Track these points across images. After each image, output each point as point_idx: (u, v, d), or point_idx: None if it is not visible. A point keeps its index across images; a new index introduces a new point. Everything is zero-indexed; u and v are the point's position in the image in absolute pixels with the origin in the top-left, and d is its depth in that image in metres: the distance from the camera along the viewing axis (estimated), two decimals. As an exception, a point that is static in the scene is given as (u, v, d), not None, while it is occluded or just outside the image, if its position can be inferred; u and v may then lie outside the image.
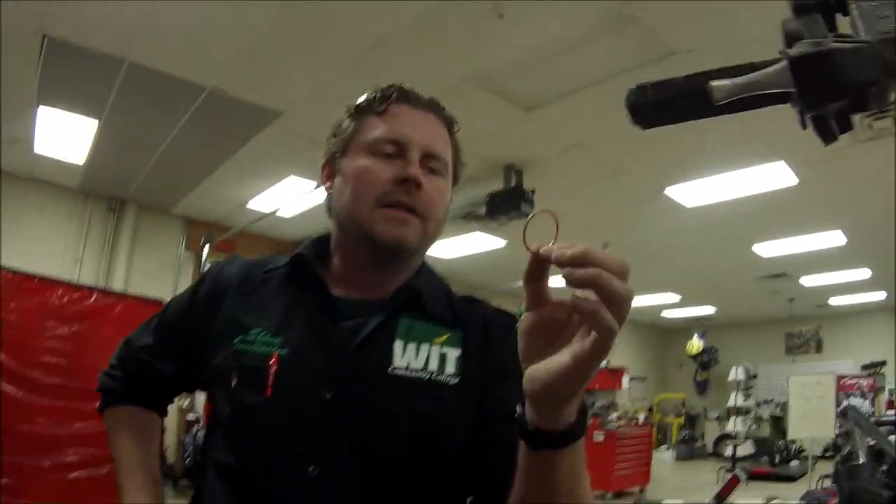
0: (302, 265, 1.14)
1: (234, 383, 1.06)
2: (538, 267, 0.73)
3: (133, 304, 5.38)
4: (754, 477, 10.78)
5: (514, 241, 8.37)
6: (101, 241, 7.83)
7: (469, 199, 6.16)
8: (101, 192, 7.75)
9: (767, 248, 8.78)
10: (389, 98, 1.12)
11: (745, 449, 12.86)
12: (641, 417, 12.47)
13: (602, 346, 0.67)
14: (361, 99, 1.15)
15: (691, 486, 11.34)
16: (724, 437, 14.39)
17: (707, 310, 14.49)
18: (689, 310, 14.54)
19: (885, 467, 2.28)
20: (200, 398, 7.81)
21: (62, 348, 4.86)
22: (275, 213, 7.13)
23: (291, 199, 6.81)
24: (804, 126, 0.70)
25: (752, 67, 0.71)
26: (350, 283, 1.13)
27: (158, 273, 8.22)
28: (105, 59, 4.59)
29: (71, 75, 4.91)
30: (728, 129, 5.15)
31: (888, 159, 5.16)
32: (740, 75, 0.70)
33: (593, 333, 0.67)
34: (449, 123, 1.18)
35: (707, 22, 3.94)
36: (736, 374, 13.95)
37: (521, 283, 0.76)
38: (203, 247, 8.31)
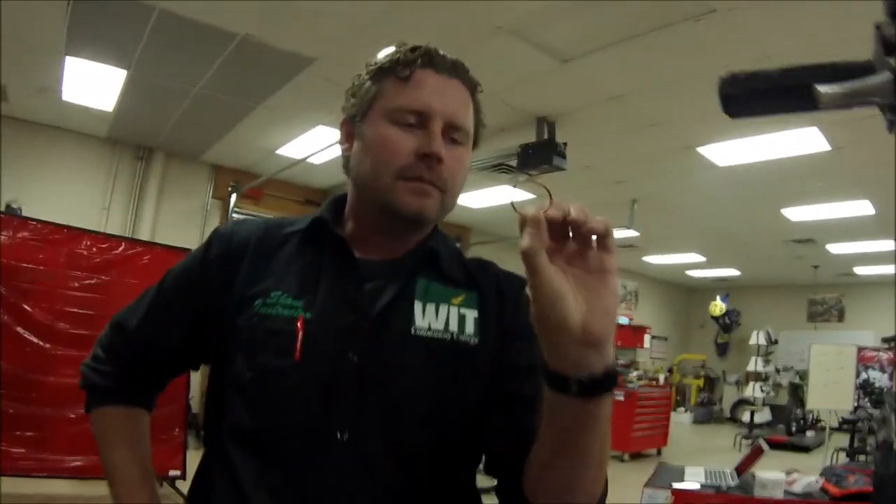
0: (322, 227, 1.14)
1: (258, 346, 1.05)
2: (536, 237, 0.76)
3: (160, 254, 5.39)
4: (770, 445, 10.79)
5: (542, 195, 8.27)
6: (129, 188, 7.86)
7: (500, 149, 6.07)
8: (129, 141, 7.76)
9: (796, 213, 8.67)
10: (414, 63, 1.09)
11: (763, 416, 12.85)
12: (662, 378, 12.51)
13: (610, 247, 0.76)
14: (383, 57, 1.12)
15: (708, 450, 11.41)
16: (741, 403, 14.40)
17: (731, 272, 14.41)
18: (714, 271, 14.45)
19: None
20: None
21: (90, 298, 4.88)
22: (305, 160, 7.07)
23: (320, 147, 6.74)
24: (891, 130, 0.70)
25: (846, 69, 0.70)
26: (367, 244, 1.14)
27: (185, 221, 8.26)
28: (134, 6, 4.53)
29: (100, 25, 4.86)
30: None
31: None
32: (836, 76, 0.69)
33: (597, 259, 0.76)
34: (472, 87, 1.15)
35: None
36: (757, 338, 13.86)
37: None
38: (230, 195, 8.29)
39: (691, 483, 3.73)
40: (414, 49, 1.10)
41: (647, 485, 3.66)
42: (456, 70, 1.12)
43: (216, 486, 1.07)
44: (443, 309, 1.11)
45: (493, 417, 1.06)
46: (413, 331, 1.07)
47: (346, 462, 1.00)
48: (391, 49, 1.12)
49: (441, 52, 1.11)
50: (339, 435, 1.01)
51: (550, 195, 0.82)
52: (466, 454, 1.11)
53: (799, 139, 5.89)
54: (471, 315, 1.12)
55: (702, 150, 6.50)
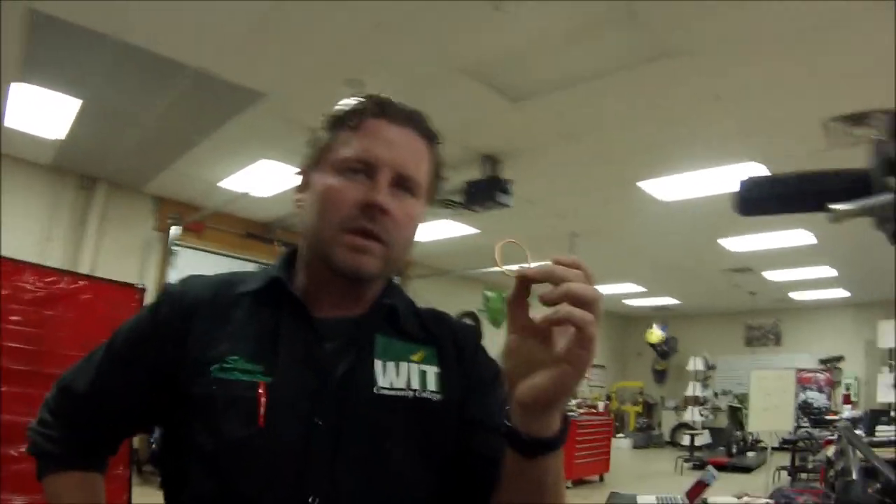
0: (277, 287, 1.09)
1: (219, 414, 1.00)
2: (521, 289, 0.80)
3: (104, 289, 5.25)
4: (708, 465, 10.98)
5: (486, 228, 8.44)
6: (71, 219, 7.67)
7: (446, 187, 6.12)
8: (73, 169, 7.61)
9: (734, 243, 8.93)
10: (364, 112, 1.06)
11: (703, 439, 13.11)
12: (601, 405, 12.66)
13: (586, 346, 0.76)
14: (338, 107, 1.10)
15: (650, 475, 11.56)
16: (681, 427, 14.63)
17: (669, 300, 14.68)
18: (652, 300, 14.72)
19: (878, 485, 2.33)
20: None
21: (32, 333, 4.71)
22: (246, 194, 7.02)
23: (263, 181, 6.71)
24: (893, 242, 0.80)
25: (852, 180, 0.86)
26: (321, 302, 1.09)
27: (127, 253, 8.09)
28: (92, 36, 4.48)
29: (58, 53, 4.81)
30: (706, 131, 5.24)
31: (862, 164, 5.30)
32: (844, 188, 0.84)
33: (576, 337, 0.76)
34: (430, 138, 1.12)
35: (705, 22, 3.96)
36: (695, 364, 14.18)
37: (487, 269, 0.87)
38: (171, 227, 8.17)
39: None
40: (367, 98, 1.08)
41: (603, 515, 3.69)
42: (411, 120, 1.09)
43: None
44: (403, 367, 1.09)
45: (455, 469, 1.07)
46: (376, 390, 1.05)
47: None
48: (351, 100, 1.10)
49: (396, 103, 1.08)
50: (311, 499, 0.98)
51: (527, 252, 0.84)
52: (434, 500, 1.09)
53: (738, 173, 6.02)
54: (431, 371, 1.11)
55: (643, 184, 6.68)
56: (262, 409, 0.99)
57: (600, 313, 0.76)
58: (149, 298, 5.48)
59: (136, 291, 5.39)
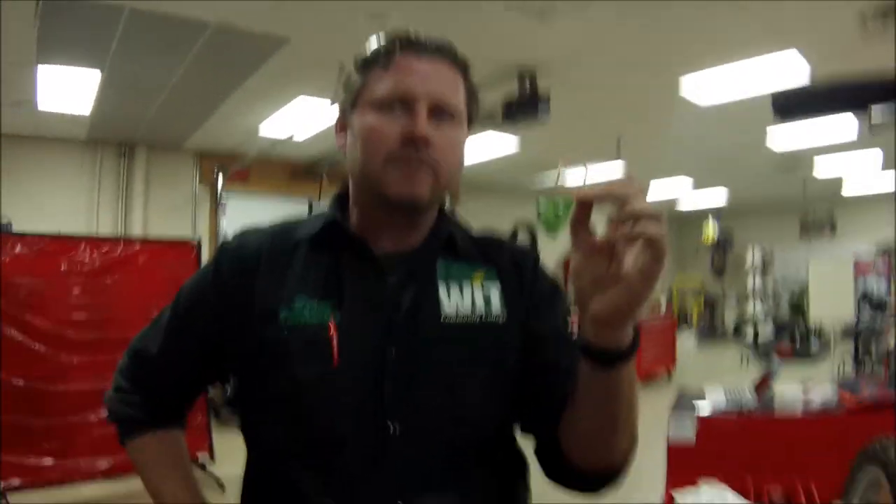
0: (335, 228, 1.12)
1: (293, 358, 1.04)
2: (582, 210, 0.82)
3: (157, 249, 5.41)
4: (773, 355, 10.98)
5: (528, 144, 8.32)
6: (115, 187, 7.81)
7: (484, 104, 6.02)
8: (109, 140, 7.69)
9: (782, 135, 8.59)
10: (394, 50, 1.06)
11: (766, 331, 13.04)
12: (663, 304, 12.66)
13: (659, 258, 0.77)
14: (368, 48, 1.10)
15: (716, 370, 11.58)
16: (744, 320, 14.57)
17: (720, 195, 14.38)
18: (703, 195, 14.44)
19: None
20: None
21: (94, 303, 4.90)
22: (290, 138, 7.00)
23: (302, 119, 6.69)
24: None
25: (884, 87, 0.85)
26: (378, 237, 1.12)
27: (175, 211, 8.22)
28: (104, 8, 4.45)
29: (70, 29, 4.78)
30: (743, 19, 5.01)
31: None
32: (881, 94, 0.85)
33: (649, 252, 0.77)
34: (461, 65, 1.12)
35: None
36: (752, 257, 13.99)
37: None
38: (217, 178, 8.25)
39: (713, 407, 3.77)
40: (394, 35, 1.08)
41: (672, 410, 3.71)
42: (441, 51, 1.09)
43: (273, 502, 1.08)
44: (466, 288, 1.11)
45: (526, 386, 1.10)
46: (443, 318, 1.08)
47: (401, 454, 1.02)
48: (378, 37, 1.10)
49: (423, 36, 1.08)
50: (391, 430, 1.02)
51: (586, 172, 0.85)
52: (508, 422, 1.14)
53: (778, 66, 5.75)
54: (494, 291, 1.13)
55: (685, 93, 6.49)
56: (335, 348, 1.03)
57: (663, 224, 0.77)
58: (204, 251, 5.62)
59: (191, 246, 5.50)
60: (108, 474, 4.77)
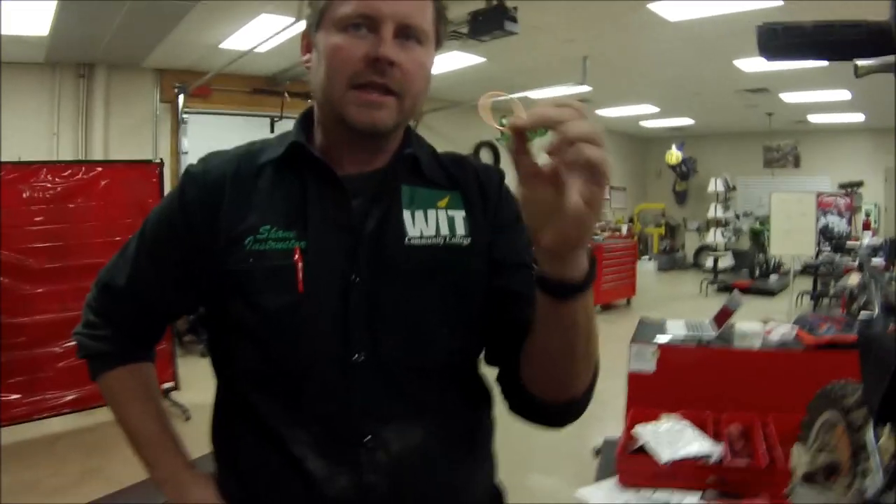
0: (299, 151, 1.10)
1: (258, 286, 1.04)
2: (520, 140, 0.80)
3: (120, 170, 5.27)
4: (734, 289, 11.21)
5: (494, 57, 8.17)
6: (75, 109, 7.57)
7: (450, 18, 5.89)
8: (68, 61, 7.44)
9: (749, 64, 8.61)
10: None
11: (726, 261, 13.29)
12: (624, 229, 12.77)
13: (600, 182, 0.76)
14: None
15: (676, 297, 11.83)
16: (704, 249, 14.79)
17: (685, 121, 14.43)
18: (668, 121, 14.48)
19: (897, 320, 2.38)
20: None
21: (56, 230, 4.78)
22: (251, 51, 6.80)
23: (264, 36, 6.50)
24: None
25: (868, 28, 0.80)
26: (342, 159, 1.11)
27: (136, 131, 8.03)
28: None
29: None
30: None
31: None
32: (859, 32, 0.86)
33: (590, 175, 0.75)
34: None
35: None
36: (715, 185, 14.14)
37: (501, 96, 0.88)
38: (178, 96, 8.04)
39: (673, 337, 3.87)
40: None
41: (633, 341, 3.78)
42: None
43: (243, 435, 1.10)
44: (431, 214, 1.12)
45: (488, 311, 1.12)
46: (407, 240, 1.08)
47: (367, 382, 1.04)
48: None
49: None
50: (356, 356, 1.04)
51: (516, 102, 0.83)
52: (474, 348, 1.16)
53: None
54: (458, 216, 1.14)
55: (653, 6, 6.37)
56: (300, 275, 1.03)
57: (604, 145, 0.76)
58: (166, 172, 5.51)
59: (154, 167, 5.38)
60: (75, 406, 4.77)
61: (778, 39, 0.88)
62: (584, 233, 0.81)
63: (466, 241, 1.12)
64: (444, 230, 1.11)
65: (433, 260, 1.09)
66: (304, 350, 1.04)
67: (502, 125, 0.80)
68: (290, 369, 1.05)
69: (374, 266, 1.06)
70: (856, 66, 0.75)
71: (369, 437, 1.04)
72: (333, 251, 1.06)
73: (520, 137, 0.80)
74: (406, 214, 1.10)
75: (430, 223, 1.11)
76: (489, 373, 1.19)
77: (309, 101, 1.10)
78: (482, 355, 1.18)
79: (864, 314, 3.09)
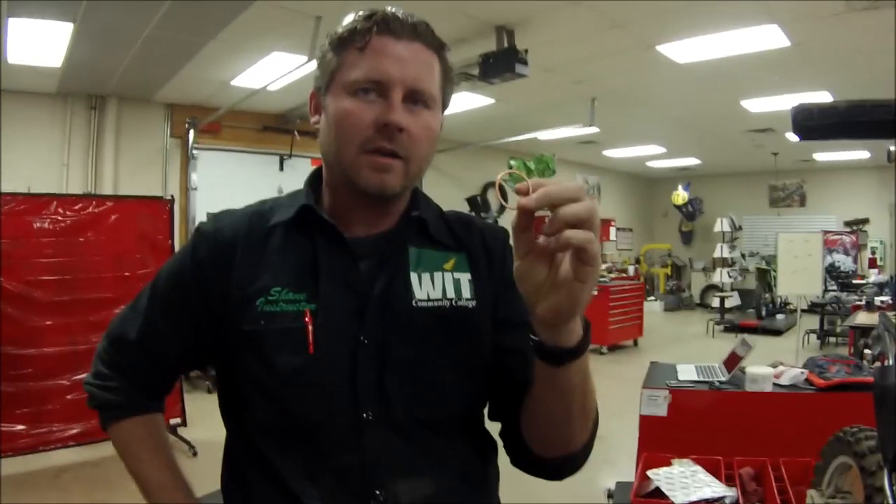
0: (309, 214, 1.13)
1: (270, 347, 1.06)
2: (523, 219, 0.83)
3: (129, 205, 5.29)
4: (742, 329, 11.17)
5: (504, 98, 8.25)
6: (85, 141, 7.61)
7: (460, 60, 5.96)
8: (80, 92, 7.50)
9: (755, 104, 8.69)
10: (369, 31, 1.05)
11: (732, 301, 13.23)
12: (631, 269, 12.76)
13: (590, 262, 0.80)
14: (343, 27, 1.09)
15: (683, 338, 11.77)
16: (710, 288, 14.77)
17: (691, 161, 14.49)
18: (674, 161, 14.54)
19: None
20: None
21: (64, 263, 4.78)
22: (263, 89, 6.88)
23: (276, 75, 6.57)
24: None
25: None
26: (350, 221, 1.13)
27: (146, 165, 8.05)
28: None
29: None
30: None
31: (881, 27, 5.21)
32: (891, 113, 0.86)
33: (580, 257, 0.80)
34: (436, 47, 1.11)
35: None
36: (721, 225, 14.15)
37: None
38: (188, 131, 8.10)
39: (685, 381, 3.85)
40: (370, 16, 1.06)
41: (644, 385, 3.77)
42: (416, 33, 1.08)
43: (254, 482, 1.11)
44: (437, 276, 1.15)
45: (491, 368, 1.14)
46: (415, 303, 1.11)
47: (377, 437, 1.06)
48: (351, 16, 1.09)
49: (400, 16, 1.07)
50: (364, 415, 1.06)
51: (527, 181, 0.85)
52: (480, 401, 1.19)
53: (759, 35, 5.86)
54: (464, 278, 1.17)
55: (661, 48, 6.45)
56: (310, 337, 1.06)
57: (597, 228, 0.81)
58: (177, 208, 5.52)
59: (165, 203, 5.41)
60: (80, 440, 4.74)
61: (813, 120, 0.90)
62: (576, 305, 0.85)
63: (472, 304, 1.15)
64: (451, 293, 1.14)
65: (440, 320, 1.12)
66: (315, 408, 1.06)
67: (510, 167, 0.85)
68: (302, 425, 1.07)
69: (383, 327, 1.08)
70: (889, 151, 0.78)
71: (379, 491, 1.05)
72: (342, 313, 1.08)
73: (524, 215, 0.82)
74: (413, 277, 1.13)
75: (437, 286, 1.14)
76: (491, 427, 1.22)
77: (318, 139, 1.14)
78: (486, 410, 1.21)
79: (875, 367, 3.09)
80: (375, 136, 1.04)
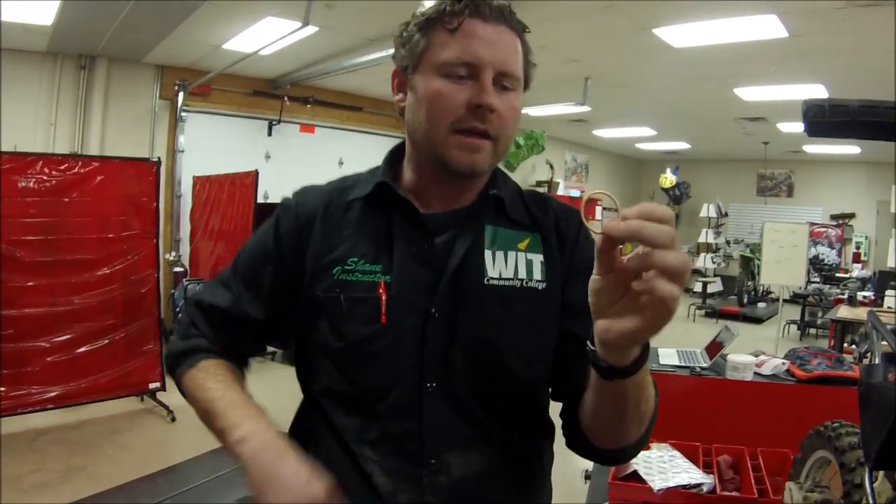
0: (386, 190, 1.17)
1: (344, 315, 1.12)
2: (608, 244, 0.80)
3: (116, 167, 5.22)
4: (723, 315, 11.26)
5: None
6: (74, 100, 7.47)
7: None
8: (70, 51, 7.36)
9: (749, 93, 8.67)
10: (461, 13, 1.09)
11: (715, 286, 13.31)
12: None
13: (665, 311, 0.76)
14: (429, 7, 1.12)
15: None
16: (693, 273, 14.79)
17: (681, 145, 14.49)
18: (664, 144, 14.53)
19: (897, 369, 2.37)
20: (185, 248, 7.83)
21: (49, 223, 4.73)
22: (256, 53, 6.79)
23: (268, 39, 6.49)
24: None
25: None
26: (429, 197, 1.18)
27: (134, 126, 7.92)
28: None
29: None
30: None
31: (880, 24, 5.19)
32: None
33: (659, 305, 0.76)
34: (520, 31, 1.16)
35: None
36: (708, 210, 14.19)
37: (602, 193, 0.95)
38: (178, 93, 8.00)
39: (667, 365, 3.88)
40: None
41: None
42: (503, 16, 1.11)
43: (320, 441, 1.17)
44: (511, 256, 1.17)
45: (557, 353, 1.17)
46: (486, 281, 1.14)
47: (437, 409, 1.10)
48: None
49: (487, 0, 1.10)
50: (428, 386, 1.10)
51: (618, 205, 0.86)
52: (543, 383, 1.21)
53: (757, 25, 5.82)
54: (537, 260, 1.18)
55: (658, 31, 6.39)
56: (384, 308, 1.11)
57: (686, 282, 0.76)
58: (163, 170, 5.45)
59: (152, 165, 5.34)
60: (59, 402, 4.72)
61: (825, 117, 0.90)
62: (640, 339, 0.84)
63: (542, 286, 1.17)
64: (522, 273, 1.16)
65: (509, 299, 1.14)
66: (381, 376, 1.11)
67: (595, 231, 0.81)
68: (368, 392, 1.12)
69: (453, 303, 1.12)
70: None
71: (434, 460, 1.10)
72: (416, 286, 1.13)
73: (609, 241, 0.79)
74: (487, 254, 1.16)
75: (510, 265, 1.16)
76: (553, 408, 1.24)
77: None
78: (549, 390, 1.23)
79: (862, 364, 3.12)
80: (467, 116, 1.08)
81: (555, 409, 1.24)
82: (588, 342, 0.91)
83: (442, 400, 1.10)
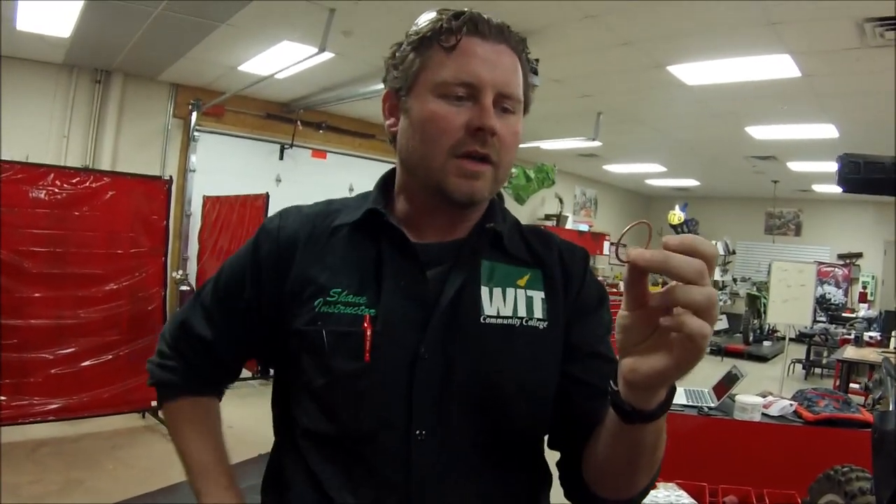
0: (376, 217, 1.09)
1: (326, 350, 1.03)
2: (635, 275, 0.76)
3: (127, 183, 5.25)
4: (728, 353, 11.20)
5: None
6: (88, 114, 7.51)
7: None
8: (86, 65, 7.41)
9: (760, 131, 8.69)
10: (459, 31, 1.02)
11: (720, 324, 13.24)
12: (622, 285, 12.77)
13: (694, 349, 0.72)
14: (424, 25, 1.05)
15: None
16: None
17: (690, 182, 14.50)
18: (673, 181, 14.55)
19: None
20: (192, 267, 7.82)
21: (58, 236, 4.74)
22: (271, 76, 6.83)
23: (284, 63, 6.54)
24: None
25: None
26: (422, 226, 1.10)
27: (146, 144, 7.95)
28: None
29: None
30: (740, 15, 4.98)
31: (893, 66, 5.20)
32: None
33: (688, 345, 0.71)
34: (520, 51, 1.09)
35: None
36: (715, 248, 14.14)
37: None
38: (191, 112, 8.05)
39: (674, 404, 3.85)
40: (457, 15, 1.03)
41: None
42: (503, 34, 1.06)
43: (294, 488, 1.08)
44: (509, 293, 1.09)
45: (557, 397, 1.08)
46: (483, 319, 1.06)
47: (427, 457, 1.01)
48: (430, 15, 1.06)
49: (486, 17, 1.04)
50: (417, 433, 1.01)
51: (650, 232, 0.83)
52: (542, 428, 1.13)
53: (771, 64, 5.86)
54: (537, 297, 1.11)
55: (672, 68, 6.43)
56: (367, 344, 1.02)
57: (714, 321, 0.72)
58: (174, 188, 5.47)
59: (163, 184, 5.37)
60: (60, 415, 4.71)
61: (860, 173, 0.89)
62: (667, 381, 0.78)
63: (543, 325, 1.09)
64: (522, 311, 1.08)
65: (508, 339, 1.06)
66: (366, 418, 1.02)
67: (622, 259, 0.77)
68: (349, 435, 1.03)
69: (446, 342, 1.03)
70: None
71: None
72: (404, 322, 1.04)
73: (636, 271, 0.76)
74: (484, 291, 1.07)
75: (508, 302, 1.08)
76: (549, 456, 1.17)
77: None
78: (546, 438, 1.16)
79: (876, 410, 3.11)
80: (467, 139, 1.01)
81: (551, 456, 1.17)
82: (611, 382, 0.85)
83: (433, 449, 1.01)
